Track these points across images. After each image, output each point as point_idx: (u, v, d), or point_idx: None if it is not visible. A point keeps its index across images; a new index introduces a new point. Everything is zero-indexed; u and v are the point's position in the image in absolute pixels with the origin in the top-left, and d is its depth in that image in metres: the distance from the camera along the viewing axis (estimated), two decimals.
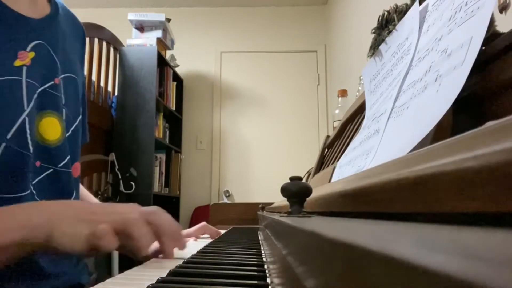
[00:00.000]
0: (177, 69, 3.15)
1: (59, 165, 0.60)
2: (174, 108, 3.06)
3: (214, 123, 3.31)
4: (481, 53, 0.27)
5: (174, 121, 3.17)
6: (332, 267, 0.12)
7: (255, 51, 3.38)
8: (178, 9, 3.42)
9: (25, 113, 0.52)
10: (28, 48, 0.54)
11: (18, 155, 0.51)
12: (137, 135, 2.55)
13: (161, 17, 2.77)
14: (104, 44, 2.51)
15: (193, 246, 0.67)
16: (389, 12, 0.56)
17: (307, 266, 0.16)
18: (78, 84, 0.66)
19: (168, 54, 3.06)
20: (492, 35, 0.32)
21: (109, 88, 2.64)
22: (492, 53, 0.30)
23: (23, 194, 0.52)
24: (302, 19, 3.42)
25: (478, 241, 0.07)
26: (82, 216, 0.44)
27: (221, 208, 1.68)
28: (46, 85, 0.57)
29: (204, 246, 0.64)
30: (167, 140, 3.01)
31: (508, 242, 0.07)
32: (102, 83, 2.52)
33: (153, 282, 0.33)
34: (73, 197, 0.63)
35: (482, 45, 0.27)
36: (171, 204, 3.01)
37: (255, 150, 3.25)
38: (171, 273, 0.38)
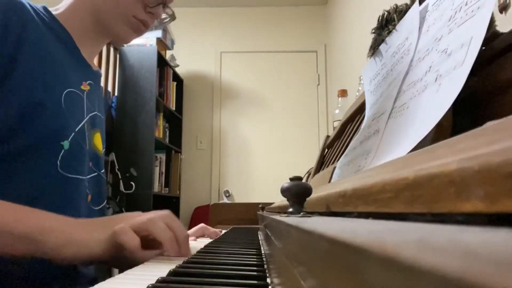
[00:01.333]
0: (177, 69, 3.15)
1: (101, 172, 0.75)
2: (174, 108, 3.06)
3: (214, 123, 3.31)
4: (481, 53, 0.27)
5: (174, 121, 3.17)
6: (332, 267, 0.12)
7: (255, 51, 3.38)
8: (178, 9, 3.40)
9: (85, 120, 0.69)
10: (87, 82, 0.73)
11: (81, 147, 0.66)
12: (137, 135, 2.55)
13: None
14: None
15: (193, 246, 0.67)
16: (389, 12, 0.56)
17: (307, 266, 0.16)
18: (103, 127, 0.83)
19: (168, 54, 3.06)
20: (492, 35, 0.32)
21: (109, 88, 2.64)
22: (492, 53, 0.30)
23: (83, 177, 0.67)
24: (302, 19, 3.42)
25: (478, 241, 0.07)
26: (100, 224, 0.52)
27: (221, 208, 1.68)
28: (94, 112, 0.74)
29: (204, 246, 0.64)
30: (167, 140, 3.01)
31: (508, 242, 0.07)
32: (102, 83, 2.52)
33: (153, 282, 0.33)
34: (104, 204, 0.76)
35: (482, 45, 0.27)
36: (171, 204, 3.01)
37: (255, 150, 3.25)
38: (171, 273, 0.38)
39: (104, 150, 0.80)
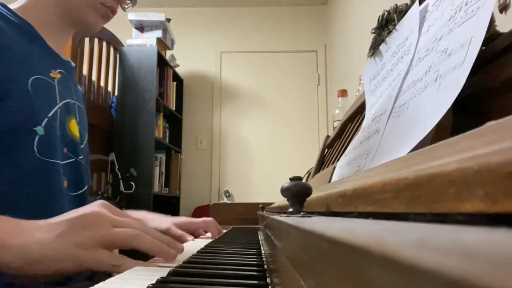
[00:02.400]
0: (177, 69, 3.15)
1: (79, 158, 0.75)
2: (174, 108, 3.06)
3: (214, 123, 3.31)
4: (481, 53, 0.27)
5: (174, 121, 3.17)
6: (332, 267, 0.12)
7: (255, 51, 3.38)
8: (178, 9, 3.42)
9: (58, 106, 0.69)
10: (57, 71, 0.73)
11: (55, 132, 0.67)
12: (137, 135, 2.55)
13: (161, 17, 2.77)
14: (104, 44, 2.51)
15: (193, 246, 0.67)
16: (389, 12, 0.56)
17: (307, 266, 0.16)
18: (85, 118, 0.83)
19: (168, 54, 3.06)
20: (492, 35, 0.32)
21: (109, 88, 2.64)
22: (492, 53, 0.30)
23: (55, 161, 0.66)
24: (302, 19, 3.42)
25: (478, 241, 0.07)
26: (82, 237, 0.44)
27: (221, 208, 1.68)
28: (68, 100, 0.74)
29: (204, 246, 0.64)
30: (167, 140, 3.01)
31: (507, 242, 0.07)
32: (102, 83, 2.52)
33: (153, 282, 0.33)
34: (84, 189, 0.76)
35: (482, 45, 0.27)
36: (171, 204, 3.01)
37: (255, 150, 3.25)
38: (171, 273, 0.38)
39: (86, 140, 0.81)
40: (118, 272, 0.42)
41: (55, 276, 0.43)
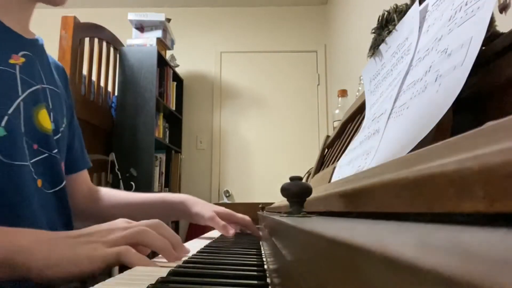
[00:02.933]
0: (177, 69, 3.15)
1: (53, 152, 0.68)
2: (174, 108, 3.06)
3: (214, 123, 3.31)
4: (481, 53, 0.27)
5: (174, 121, 3.17)
6: (332, 267, 0.12)
7: (255, 51, 3.38)
8: (178, 9, 3.42)
9: (20, 98, 0.61)
10: (19, 54, 0.64)
11: (18, 130, 0.60)
12: (137, 135, 2.55)
13: (161, 17, 2.77)
14: (104, 44, 2.51)
15: (193, 246, 0.67)
16: (389, 12, 0.56)
17: (307, 266, 0.16)
18: (62, 100, 0.75)
19: (168, 54, 3.06)
20: (492, 35, 0.32)
21: (109, 88, 2.64)
22: (492, 53, 0.30)
23: (22, 163, 0.60)
24: (302, 19, 3.42)
25: (478, 241, 0.07)
26: (94, 239, 0.47)
27: None
28: (35, 86, 0.65)
29: (204, 246, 0.64)
30: (167, 140, 3.01)
31: (507, 242, 0.07)
32: (102, 83, 2.52)
33: (153, 282, 0.33)
34: (62, 185, 0.70)
35: (482, 45, 0.27)
36: None
37: (255, 150, 3.25)
38: (171, 273, 0.38)
39: (64, 125, 0.74)
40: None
41: (73, 278, 0.44)
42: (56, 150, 0.68)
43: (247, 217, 0.90)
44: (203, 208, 0.85)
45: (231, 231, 0.80)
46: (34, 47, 0.69)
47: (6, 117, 0.58)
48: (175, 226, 2.89)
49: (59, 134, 0.71)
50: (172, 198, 0.90)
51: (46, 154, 0.66)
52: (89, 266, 0.44)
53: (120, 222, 0.51)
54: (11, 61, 0.62)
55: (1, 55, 0.61)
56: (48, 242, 0.45)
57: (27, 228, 0.47)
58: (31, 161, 0.62)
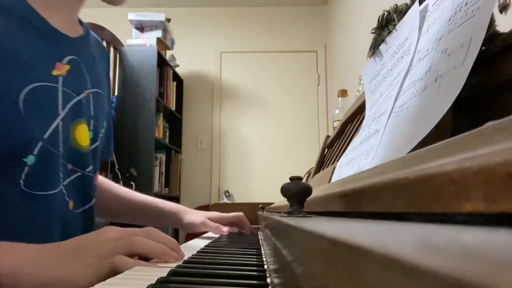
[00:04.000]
0: (177, 69, 3.14)
1: (87, 170, 0.65)
2: (174, 108, 3.06)
3: (214, 123, 3.31)
4: (481, 53, 0.27)
5: (174, 121, 3.17)
6: (332, 267, 0.12)
7: (255, 51, 3.38)
8: (178, 9, 3.42)
9: (59, 117, 0.57)
10: (64, 61, 0.59)
11: (52, 155, 0.56)
12: (137, 135, 2.55)
13: (161, 17, 2.77)
14: (104, 44, 2.51)
15: (193, 246, 0.67)
16: (389, 12, 0.56)
17: (307, 266, 0.16)
18: (104, 100, 0.72)
19: (168, 54, 3.06)
20: (492, 35, 0.32)
21: None
22: (492, 53, 0.30)
23: (54, 191, 0.56)
24: (302, 19, 3.42)
25: (478, 241, 0.07)
26: (86, 253, 0.44)
27: (221, 208, 1.67)
28: (79, 97, 0.62)
29: (204, 246, 0.64)
30: (167, 140, 3.01)
31: (507, 242, 0.07)
32: None
33: (153, 282, 0.33)
34: (92, 203, 0.67)
35: (482, 45, 0.27)
36: None
37: (255, 150, 3.25)
38: (171, 273, 0.38)
39: (102, 132, 0.70)
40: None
41: None
42: (90, 168, 0.65)
43: (239, 214, 0.93)
44: (194, 216, 0.88)
45: (225, 229, 0.83)
46: (81, 46, 0.64)
47: (40, 143, 0.53)
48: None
49: (97, 142, 0.68)
50: (164, 206, 0.92)
51: (79, 173, 0.63)
52: (83, 282, 0.41)
53: (111, 232, 0.48)
54: (55, 72, 0.57)
55: (44, 67, 0.56)
56: (35, 260, 0.41)
57: (10, 243, 0.42)
58: (64, 183, 0.59)
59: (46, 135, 0.54)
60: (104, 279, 0.42)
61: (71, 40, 0.62)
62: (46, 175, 0.55)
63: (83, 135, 0.63)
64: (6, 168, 0.51)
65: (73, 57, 0.61)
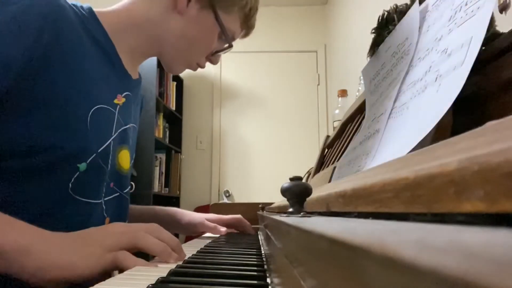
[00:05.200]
0: None
1: (124, 191, 0.71)
2: (174, 108, 3.06)
3: (214, 123, 3.31)
4: (481, 53, 0.27)
5: (174, 121, 3.17)
6: (332, 267, 0.12)
7: (255, 51, 3.38)
8: None
9: (112, 138, 0.64)
10: (123, 95, 0.68)
11: (100, 168, 0.61)
12: (137, 135, 2.55)
13: None
14: None
15: (193, 246, 0.67)
16: (389, 12, 0.56)
17: (307, 266, 0.16)
18: (135, 135, 0.81)
19: None
20: (492, 35, 0.32)
21: None
22: (492, 53, 0.30)
23: (96, 201, 0.62)
24: (302, 19, 3.42)
25: (478, 241, 0.07)
26: (91, 243, 0.47)
27: (221, 208, 1.67)
28: (126, 126, 0.70)
29: (204, 246, 0.64)
30: (167, 140, 3.01)
31: (508, 242, 0.07)
32: None
33: (153, 282, 0.33)
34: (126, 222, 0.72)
35: (482, 45, 0.27)
36: (171, 204, 3.00)
37: (255, 150, 3.25)
38: (171, 273, 0.38)
39: (132, 163, 0.76)
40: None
41: (68, 283, 0.44)
42: (126, 190, 0.72)
43: (237, 216, 0.95)
44: (192, 217, 0.90)
45: (223, 229, 0.85)
46: (135, 87, 0.74)
47: (93, 155, 0.59)
48: None
49: (129, 172, 0.75)
50: (162, 211, 0.94)
51: (118, 194, 0.69)
52: (85, 271, 0.43)
53: (118, 226, 0.51)
54: (115, 101, 0.66)
55: (109, 95, 0.64)
56: (45, 243, 0.44)
57: (26, 224, 0.46)
58: (105, 199, 0.64)
59: (99, 150, 0.60)
60: (105, 270, 0.45)
61: (131, 80, 0.71)
62: (92, 184, 0.60)
63: (125, 159, 0.71)
64: (61, 170, 0.55)
65: (129, 93, 0.70)
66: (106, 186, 0.64)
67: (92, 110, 0.59)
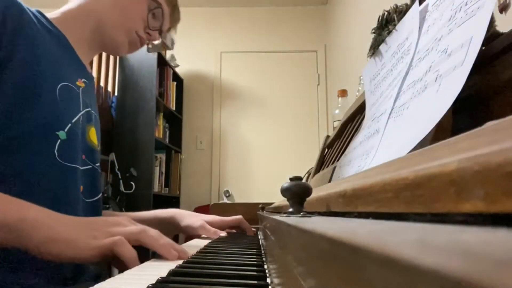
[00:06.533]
0: (177, 69, 3.14)
1: (96, 165, 0.77)
2: (174, 108, 3.06)
3: (214, 123, 3.31)
4: (481, 53, 0.27)
5: (174, 121, 3.17)
6: (332, 267, 0.12)
7: (255, 51, 3.38)
8: None
9: (81, 113, 0.71)
10: (81, 80, 0.75)
11: (76, 136, 0.68)
12: (137, 135, 2.55)
13: None
14: None
15: (193, 246, 0.67)
16: (389, 12, 0.56)
17: (307, 266, 0.16)
18: (99, 129, 0.85)
19: (168, 54, 3.06)
20: (492, 35, 0.32)
21: (109, 88, 2.64)
22: (492, 53, 0.30)
23: (75, 165, 0.67)
24: (302, 19, 3.42)
25: (478, 241, 0.07)
26: (95, 227, 0.50)
27: (221, 208, 1.67)
28: (89, 109, 0.76)
29: (204, 246, 0.64)
30: (167, 140, 3.01)
31: (507, 242, 0.07)
32: (102, 83, 2.52)
33: (153, 282, 0.33)
34: (99, 196, 0.77)
35: (482, 45, 0.27)
36: (171, 204, 3.01)
37: (255, 150, 3.25)
38: (171, 273, 0.38)
39: (99, 147, 0.82)
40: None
41: (68, 261, 0.47)
42: (98, 164, 0.78)
43: (238, 217, 0.95)
44: (192, 219, 0.91)
45: (222, 234, 0.87)
46: (90, 79, 0.80)
47: (69, 125, 0.66)
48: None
49: (98, 146, 0.81)
50: (162, 214, 0.95)
51: (90, 166, 0.74)
52: (85, 251, 0.46)
53: (124, 219, 0.54)
54: (78, 83, 0.73)
55: (72, 76, 0.71)
56: (53, 220, 0.48)
57: (29, 203, 0.49)
58: (81, 169, 0.70)
59: (73, 120, 0.67)
60: (102, 254, 0.47)
61: (86, 70, 0.79)
62: (73, 150, 0.67)
63: (93, 137, 0.77)
64: (44, 138, 0.61)
65: (86, 80, 0.76)
66: (80, 157, 0.70)
67: (59, 86, 0.66)
